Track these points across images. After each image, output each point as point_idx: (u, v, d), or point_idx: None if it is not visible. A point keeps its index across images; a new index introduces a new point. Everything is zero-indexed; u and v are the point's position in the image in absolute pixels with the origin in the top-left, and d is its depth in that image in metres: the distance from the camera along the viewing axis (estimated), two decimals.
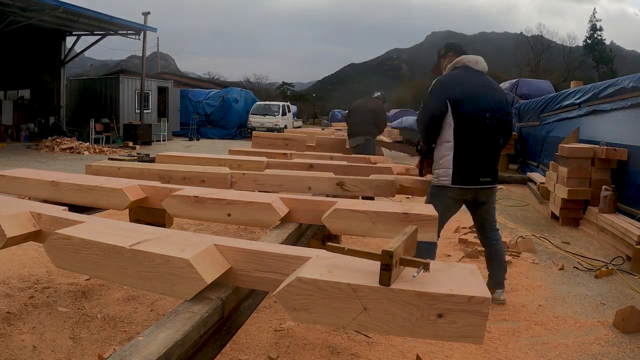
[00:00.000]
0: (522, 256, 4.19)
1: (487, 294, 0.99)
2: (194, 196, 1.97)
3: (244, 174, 2.68)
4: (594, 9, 50.82)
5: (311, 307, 1.06)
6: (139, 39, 16.53)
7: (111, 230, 1.42)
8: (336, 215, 1.85)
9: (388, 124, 11.93)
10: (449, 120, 2.85)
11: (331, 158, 3.96)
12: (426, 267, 1.05)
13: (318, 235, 2.65)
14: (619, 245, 4.31)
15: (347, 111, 7.50)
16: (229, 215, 1.93)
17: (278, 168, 3.21)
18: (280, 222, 1.94)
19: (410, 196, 4.19)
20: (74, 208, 1.97)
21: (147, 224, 2.03)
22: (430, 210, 1.92)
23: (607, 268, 3.82)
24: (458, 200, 2.99)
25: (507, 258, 4.06)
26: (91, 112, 16.32)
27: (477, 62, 3.00)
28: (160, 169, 2.75)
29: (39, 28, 14.90)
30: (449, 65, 3.08)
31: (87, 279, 3.14)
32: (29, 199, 2.20)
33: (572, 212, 5.54)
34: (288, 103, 26.00)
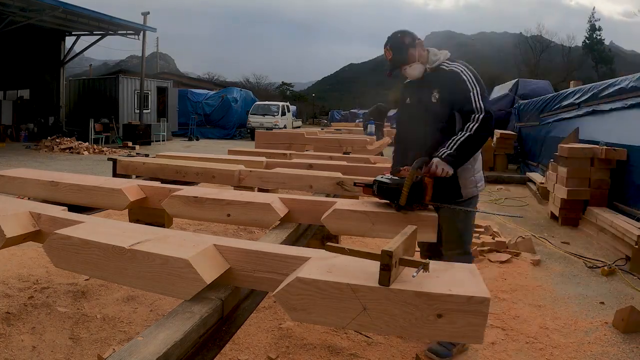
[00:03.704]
0: (521, 256, 4.19)
1: (486, 294, 1.00)
2: (194, 196, 1.97)
3: (251, 171, 2.84)
4: (593, 8, 50.80)
5: (311, 307, 1.06)
6: (139, 39, 16.53)
7: (111, 230, 1.42)
8: (336, 215, 1.85)
9: (387, 124, 11.96)
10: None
11: (330, 158, 3.97)
12: (426, 267, 1.05)
13: (317, 235, 2.65)
14: (619, 245, 4.32)
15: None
16: (229, 215, 1.94)
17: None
18: (279, 222, 1.94)
19: None
20: (73, 208, 1.97)
21: (146, 224, 2.03)
22: (429, 210, 1.92)
23: (609, 268, 3.82)
24: None
25: (507, 257, 4.07)
26: (91, 112, 16.31)
27: None
28: (177, 165, 2.99)
29: (38, 28, 14.88)
30: (444, 56, 2.45)
31: (87, 279, 3.14)
32: (29, 199, 2.20)
33: (572, 212, 5.54)
34: (287, 103, 25.99)
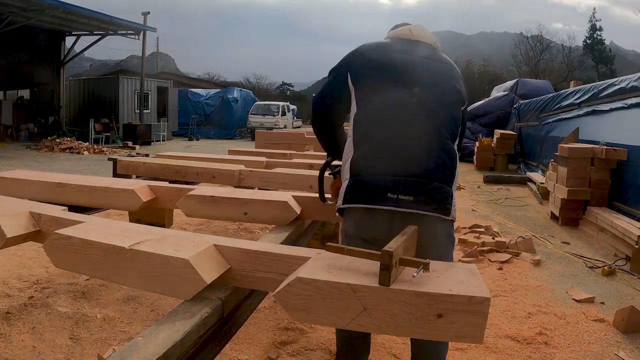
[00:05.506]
0: (522, 256, 4.19)
1: (487, 294, 0.99)
2: (210, 196, 1.98)
3: (251, 171, 2.85)
4: (594, 8, 50.75)
5: (311, 307, 1.06)
6: (139, 39, 16.54)
7: (111, 230, 1.41)
8: None
9: None
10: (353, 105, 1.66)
11: None
12: (426, 267, 1.05)
13: (318, 235, 2.66)
14: (619, 245, 4.32)
15: None
16: (245, 213, 1.97)
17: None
18: (294, 220, 1.96)
19: None
20: (73, 208, 1.97)
21: (147, 224, 2.02)
22: None
23: (609, 268, 3.82)
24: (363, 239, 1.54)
25: (507, 257, 4.07)
26: (91, 112, 16.32)
27: (411, 31, 1.74)
28: (177, 165, 3.00)
29: (38, 28, 14.89)
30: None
31: (87, 279, 3.14)
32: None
33: (572, 212, 5.54)
34: (287, 103, 25.96)
